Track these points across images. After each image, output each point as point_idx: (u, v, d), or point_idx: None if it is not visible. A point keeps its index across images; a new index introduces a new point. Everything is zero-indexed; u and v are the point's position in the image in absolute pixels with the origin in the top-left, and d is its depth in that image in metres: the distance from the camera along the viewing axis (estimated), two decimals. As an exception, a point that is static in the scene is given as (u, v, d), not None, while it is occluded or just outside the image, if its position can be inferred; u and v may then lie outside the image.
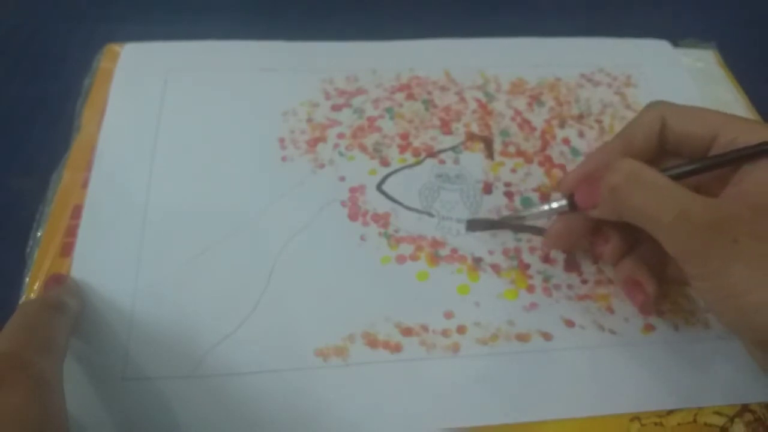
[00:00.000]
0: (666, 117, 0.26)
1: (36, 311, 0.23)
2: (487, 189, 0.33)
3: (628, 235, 0.27)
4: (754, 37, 0.43)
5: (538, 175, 0.33)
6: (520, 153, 0.34)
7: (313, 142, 0.34)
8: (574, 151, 0.35)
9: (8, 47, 0.39)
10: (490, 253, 0.30)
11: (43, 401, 0.19)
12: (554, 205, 0.28)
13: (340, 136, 0.34)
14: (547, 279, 0.29)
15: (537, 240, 0.31)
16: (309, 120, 0.35)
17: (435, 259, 0.30)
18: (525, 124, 0.36)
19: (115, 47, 0.37)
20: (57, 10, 0.41)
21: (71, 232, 0.29)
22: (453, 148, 0.34)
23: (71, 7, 0.41)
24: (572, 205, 0.27)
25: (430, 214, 0.31)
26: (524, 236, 0.31)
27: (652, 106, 0.27)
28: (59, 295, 0.26)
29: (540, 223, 0.31)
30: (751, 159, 0.24)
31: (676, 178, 0.24)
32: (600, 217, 0.26)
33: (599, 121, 0.36)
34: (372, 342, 0.27)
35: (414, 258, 0.30)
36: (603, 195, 0.25)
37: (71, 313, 0.25)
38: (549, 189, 0.33)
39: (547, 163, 0.34)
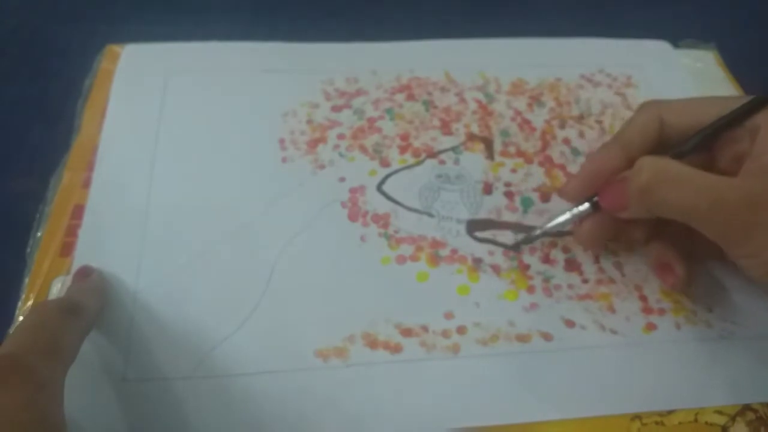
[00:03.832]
0: (663, 115, 0.26)
1: (47, 314, 0.23)
2: (488, 189, 0.33)
3: (654, 221, 0.27)
4: (754, 37, 0.43)
5: (538, 176, 0.33)
6: (520, 153, 0.34)
7: (314, 143, 0.34)
8: (575, 152, 0.35)
9: (9, 47, 0.39)
10: (490, 253, 0.30)
11: (39, 407, 0.19)
12: (577, 210, 0.28)
13: (341, 137, 0.34)
14: (547, 279, 0.29)
15: (536, 241, 0.31)
16: (309, 121, 0.35)
17: (435, 259, 0.30)
18: (525, 125, 0.36)
19: (115, 48, 0.37)
20: (57, 10, 0.41)
21: (71, 232, 0.29)
22: (453, 149, 0.34)
23: (72, 8, 0.41)
24: (595, 207, 0.27)
25: (431, 215, 0.31)
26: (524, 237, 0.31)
27: (647, 105, 0.27)
28: (76, 296, 0.25)
29: (540, 223, 0.31)
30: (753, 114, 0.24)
31: (691, 151, 0.25)
32: (631, 217, 0.26)
33: (599, 122, 0.36)
34: (372, 343, 0.27)
35: (414, 258, 0.30)
36: (632, 196, 0.25)
37: (88, 314, 0.25)
38: (549, 189, 0.33)
39: (548, 163, 0.34)
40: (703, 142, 0.25)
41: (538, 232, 0.30)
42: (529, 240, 0.30)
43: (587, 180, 0.27)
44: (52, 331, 0.22)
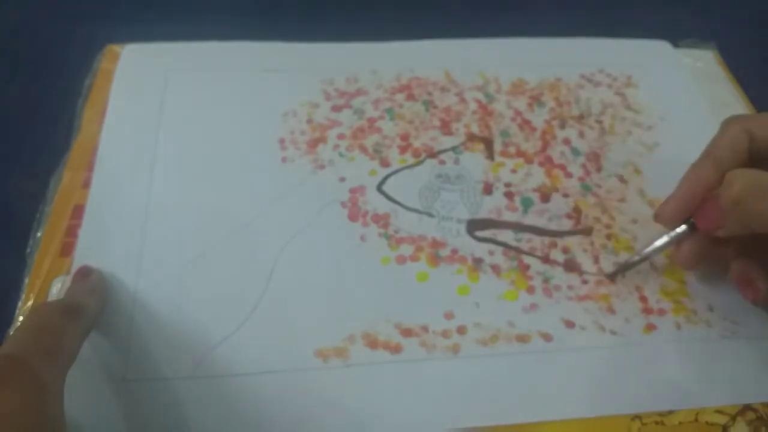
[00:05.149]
0: (752, 129, 0.26)
1: (48, 315, 0.23)
2: (488, 189, 0.33)
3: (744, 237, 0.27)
4: (754, 37, 0.43)
5: (538, 176, 0.33)
6: (520, 153, 0.34)
7: (314, 143, 0.34)
8: (575, 152, 0.35)
9: (9, 47, 0.39)
10: (491, 253, 0.30)
11: (40, 408, 0.19)
12: (674, 233, 0.28)
13: (341, 136, 0.34)
14: (547, 280, 0.29)
15: (537, 240, 0.31)
16: (309, 121, 0.35)
17: (435, 259, 0.30)
18: (525, 125, 0.36)
19: (115, 48, 0.37)
20: (57, 10, 0.41)
21: (71, 232, 0.29)
22: (453, 149, 0.34)
23: (72, 8, 0.41)
24: (692, 228, 0.27)
25: (431, 215, 0.31)
26: (524, 237, 0.31)
27: (733, 120, 0.27)
28: (76, 297, 0.26)
29: (540, 223, 0.31)
30: None
31: None
32: (728, 234, 0.25)
33: (600, 122, 0.36)
34: (372, 343, 0.27)
35: (414, 259, 0.30)
36: (726, 210, 0.24)
37: (88, 315, 0.25)
38: (549, 189, 0.33)
39: (548, 163, 0.34)
40: None
41: (636, 258, 0.29)
42: (626, 267, 0.29)
43: (682, 202, 0.27)
44: (52, 332, 0.22)
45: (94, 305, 0.26)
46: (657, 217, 0.29)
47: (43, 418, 0.19)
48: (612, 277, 0.30)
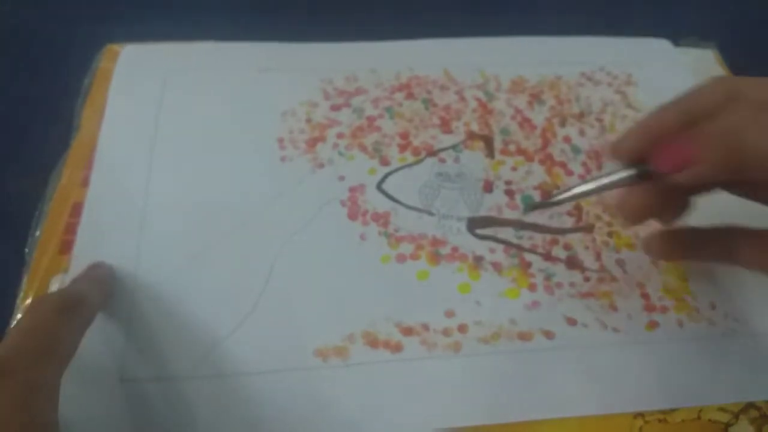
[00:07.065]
0: (741, 88, 0.22)
1: (42, 313, 0.22)
2: (488, 187, 0.32)
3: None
4: (754, 37, 0.43)
5: (539, 173, 0.33)
6: (520, 151, 0.34)
7: (313, 142, 0.34)
8: (575, 149, 0.34)
9: (8, 47, 0.39)
10: (491, 251, 0.30)
11: (30, 409, 0.19)
12: (621, 175, 0.23)
13: (340, 135, 0.34)
14: (548, 277, 0.29)
15: (538, 238, 0.31)
16: (308, 120, 0.35)
17: (435, 257, 0.30)
18: (525, 123, 0.36)
19: (114, 47, 0.37)
20: (57, 10, 0.41)
21: (70, 230, 0.29)
22: (453, 147, 0.34)
23: (71, 8, 0.41)
24: (643, 174, 0.23)
25: (431, 213, 0.31)
26: (525, 234, 0.31)
27: (720, 78, 0.24)
28: (75, 288, 0.25)
29: (541, 220, 0.31)
30: None
31: None
32: (695, 176, 0.21)
33: (600, 120, 0.36)
34: (372, 342, 0.27)
35: (414, 257, 0.30)
36: (712, 145, 0.21)
37: (88, 307, 0.24)
38: (550, 187, 0.33)
39: (548, 161, 0.34)
40: None
41: (565, 195, 0.24)
42: (548, 204, 0.26)
43: (645, 137, 0.23)
44: (46, 332, 0.22)
45: (95, 296, 0.25)
46: (615, 150, 0.24)
47: (31, 418, 0.19)
48: (529, 210, 0.28)
